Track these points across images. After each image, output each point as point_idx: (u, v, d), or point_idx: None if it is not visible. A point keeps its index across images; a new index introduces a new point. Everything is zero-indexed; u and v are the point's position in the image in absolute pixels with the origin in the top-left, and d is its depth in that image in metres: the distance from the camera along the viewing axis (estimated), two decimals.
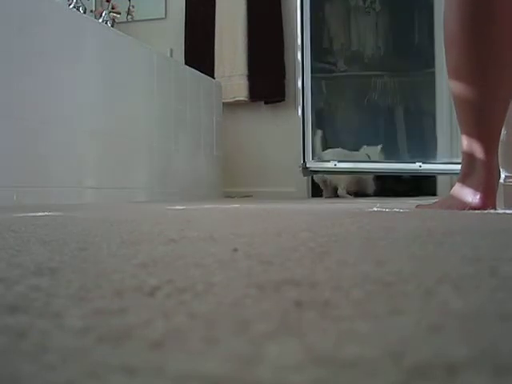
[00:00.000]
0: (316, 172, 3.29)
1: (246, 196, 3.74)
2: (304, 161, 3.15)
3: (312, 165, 3.18)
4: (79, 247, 0.55)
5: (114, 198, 2.47)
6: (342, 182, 3.56)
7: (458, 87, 1.31)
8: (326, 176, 3.50)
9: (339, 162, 3.24)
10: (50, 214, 1.32)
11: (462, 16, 1.27)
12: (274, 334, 0.23)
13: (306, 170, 3.18)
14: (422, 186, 4.50)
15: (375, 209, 1.48)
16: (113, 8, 3.49)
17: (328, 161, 3.25)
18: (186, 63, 3.64)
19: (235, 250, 0.50)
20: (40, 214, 1.30)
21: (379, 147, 3.61)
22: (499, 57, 1.26)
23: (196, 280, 0.35)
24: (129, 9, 3.84)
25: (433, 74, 3.92)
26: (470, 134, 1.31)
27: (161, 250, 0.52)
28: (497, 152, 1.32)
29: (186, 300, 0.29)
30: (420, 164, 3.19)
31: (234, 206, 2.04)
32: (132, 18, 3.88)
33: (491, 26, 1.25)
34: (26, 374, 0.18)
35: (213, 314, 0.26)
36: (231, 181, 3.78)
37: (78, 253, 0.50)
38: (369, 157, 3.44)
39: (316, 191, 4.04)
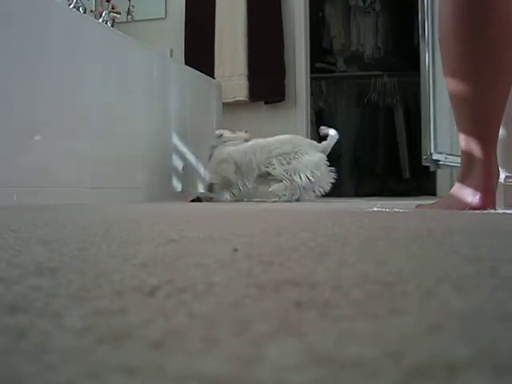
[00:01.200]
0: (439, 164, 3.27)
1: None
2: (431, 152, 3.16)
3: (437, 156, 3.19)
4: (79, 247, 0.55)
5: (114, 198, 2.47)
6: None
7: (454, 86, 1.31)
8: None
9: (448, 154, 3.20)
10: (50, 213, 1.32)
11: (457, 14, 1.27)
12: (274, 334, 0.23)
13: (433, 162, 3.18)
14: (422, 185, 4.50)
15: (375, 209, 1.48)
16: (113, 8, 3.49)
17: (441, 153, 3.24)
18: (186, 63, 3.63)
19: (235, 250, 0.50)
20: (40, 213, 1.30)
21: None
22: (495, 55, 1.26)
23: (196, 280, 0.35)
24: (129, 9, 3.84)
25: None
26: (467, 133, 1.31)
27: (161, 250, 0.52)
28: (495, 151, 1.32)
29: (186, 300, 0.29)
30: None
31: (234, 206, 2.04)
32: (132, 18, 3.88)
33: (487, 25, 1.25)
34: (26, 374, 0.18)
35: (213, 314, 0.26)
36: None
37: (78, 253, 0.50)
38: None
39: None
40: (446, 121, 3.21)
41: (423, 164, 3.37)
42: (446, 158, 3.19)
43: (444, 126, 3.27)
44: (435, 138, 3.25)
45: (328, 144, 2.75)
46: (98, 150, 2.41)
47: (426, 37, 3.30)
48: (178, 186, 3.04)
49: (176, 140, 3.05)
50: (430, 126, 3.25)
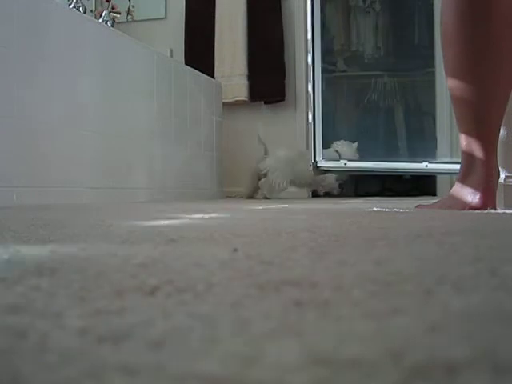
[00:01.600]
0: (326, 171, 3.28)
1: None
2: (315, 160, 3.15)
3: (323, 164, 3.18)
4: (79, 247, 0.55)
5: (114, 198, 2.47)
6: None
7: (455, 86, 1.31)
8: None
9: (349, 160, 3.23)
10: (50, 213, 1.32)
11: (459, 14, 1.27)
12: (274, 334, 0.23)
13: (317, 169, 3.18)
14: (422, 185, 4.50)
15: (375, 209, 1.48)
16: (113, 8, 3.49)
17: (338, 160, 3.24)
18: (186, 63, 3.63)
19: (235, 250, 0.50)
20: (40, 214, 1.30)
21: (355, 145, 3.55)
22: (496, 55, 1.26)
23: (196, 280, 0.35)
24: (129, 9, 3.84)
25: (433, 74, 3.92)
26: (468, 133, 1.31)
27: (161, 250, 0.52)
28: (496, 151, 1.32)
29: (186, 300, 0.29)
30: (426, 164, 3.19)
31: (234, 206, 2.04)
32: (132, 18, 3.88)
33: (488, 25, 1.25)
34: (26, 373, 0.18)
35: (213, 314, 0.26)
36: (231, 181, 3.78)
37: (78, 253, 0.50)
38: (339, 154, 3.38)
39: (316, 191, 4.04)
40: (446, 122, 3.22)
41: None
42: (426, 166, 3.18)
43: (444, 128, 3.27)
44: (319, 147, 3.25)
45: None
46: (98, 150, 2.41)
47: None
48: (178, 186, 3.05)
49: (176, 140, 3.05)
50: (314, 130, 3.25)
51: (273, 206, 2.00)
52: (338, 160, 3.28)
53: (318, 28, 3.34)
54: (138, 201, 2.61)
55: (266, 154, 3.37)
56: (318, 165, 3.17)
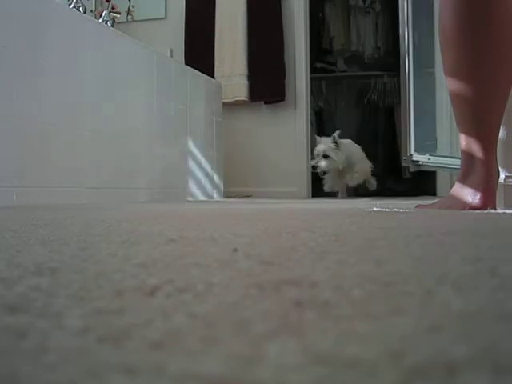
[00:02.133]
0: (420, 165, 3.28)
1: (246, 196, 3.74)
2: (410, 153, 3.16)
3: (417, 157, 3.19)
4: (79, 247, 0.55)
5: (114, 198, 2.47)
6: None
7: (454, 86, 1.31)
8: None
9: (431, 155, 3.21)
10: (50, 214, 1.32)
11: (458, 14, 1.27)
12: (274, 333, 0.23)
13: (413, 163, 3.19)
14: (422, 185, 4.50)
15: (375, 209, 1.48)
16: (113, 8, 3.49)
17: (424, 153, 3.24)
18: (186, 63, 3.63)
19: (235, 250, 0.50)
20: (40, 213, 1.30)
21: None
22: (496, 55, 1.26)
23: (196, 280, 0.35)
24: (129, 9, 3.84)
25: (433, 74, 3.92)
26: (468, 133, 1.31)
27: (161, 250, 0.52)
28: (495, 151, 1.32)
29: (186, 300, 0.29)
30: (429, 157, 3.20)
31: (234, 206, 2.04)
32: (132, 18, 3.88)
33: (487, 26, 1.25)
34: (26, 374, 0.18)
35: (213, 314, 0.26)
36: (231, 181, 3.78)
37: (78, 253, 0.50)
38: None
39: (316, 191, 4.04)
40: (446, 121, 3.22)
41: (403, 164, 3.37)
42: (428, 159, 3.19)
43: (443, 127, 3.27)
44: (415, 139, 3.25)
45: None
46: (98, 150, 2.41)
47: (406, 38, 3.31)
48: (178, 186, 3.05)
49: (176, 140, 3.05)
50: (409, 127, 3.26)
51: (272, 206, 2.00)
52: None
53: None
54: (138, 201, 2.61)
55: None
56: (414, 158, 3.17)
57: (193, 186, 3.20)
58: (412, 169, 3.41)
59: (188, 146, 3.17)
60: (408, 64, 3.32)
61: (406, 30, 3.27)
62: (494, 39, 1.25)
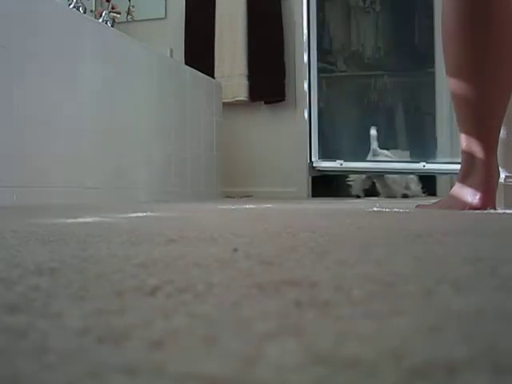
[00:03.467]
0: (322, 171, 3.30)
1: (246, 196, 3.74)
2: (311, 160, 3.16)
3: (318, 164, 3.20)
4: (79, 247, 0.55)
5: (114, 198, 2.47)
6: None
7: (456, 86, 1.31)
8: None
9: (345, 161, 3.24)
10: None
11: (460, 14, 1.27)
12: (274, 334, 0.23)
13: (312, 169, 3.20)
14: (421, 186, 4.50)
15: (375, 209, 1.48)
16: (113, 8, 3.49)
17: (334, 160, 3.26)
18: (186, 63, 3.63)
19: (235, 250, 0.50)
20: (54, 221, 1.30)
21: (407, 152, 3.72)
22: (497, 55, 1.26)
23: (196, 280, 0.35)
24: (129, 9, 3.84)
25: (433, 74, 3.92)
26: (468, 133, 1.31)
27: (161, 250, 0.52)
28: (496, 151, 1.32)
29: (186, 300, 0.29)
30: (424, 164, 3.20)
31: (234, 206, 2.04)
32: (132, 18, 3.88)
33: (489, 25, 1.25)
34: (26, 374, 0.18)
35: (213, 314, 0.26)
36: (231, 181, 3.78)
37: (78, 253, 0.50)
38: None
39: (316, 191, 4.04)
40: (446, 123, 3.22)
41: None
42: (341, 164, 3.21)
43: (444, 128, 3.28)
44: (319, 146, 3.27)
45: None
46: (98, 150, 2.41)
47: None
48: (177, 186, 3.05)
49: (176, 140, 3.05)
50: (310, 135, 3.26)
51: (272, 206, 2.00)
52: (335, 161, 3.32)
53: (314, 27, 3.35)
54: (138, 201, 2.61)
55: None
56: (314, 165, 3.19)
57: (193, 186, 3.20)
58: (310, 174, 3.42)
59: (188, 146, 3.17)
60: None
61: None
62: (494, 39, 1.25)
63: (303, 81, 3.96)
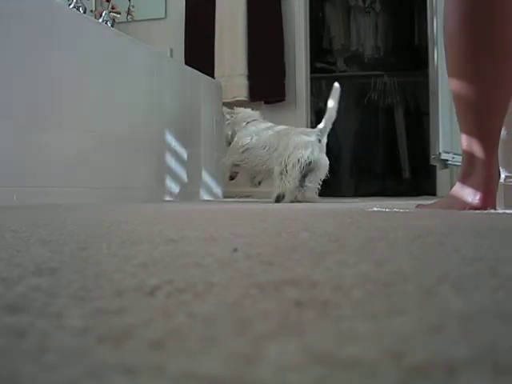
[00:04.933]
0: (448, 164, 3.28)
1: (246, 196, 3.74)
2: (439, 151, 3.16)
3: (445, 157, 3.20)
4: (79, 247, 0.55)
5: (114, 198, 2.47)
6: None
7: (457, 86, 1.31)
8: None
9: (456, 154, 3.21)
10: (52, 213, 1.32)
11: (462, 15, 1.27)
12: (274, 333, 0.23)
13: (442, 162, 3.20)
14: (422, 185, 4.50)
15: (375, 209, 1.48)
16: (113, 8, 3.49)
17: (449, 152, 3.25)
18: (186, 63, 3.63)
19: (235, 250, 0.50)
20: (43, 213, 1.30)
21: None
22: (499, 56, 1.26)
23: (196, 280, 0.35)
24: (129, 9, 3.84)
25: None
26: (469, 133, 1.31)
27: (161, 250, 0.52)
28: (497, 151, 1.32)
29: (186, 300, 0.29)
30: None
31: (234, 206, 2.04)
32: (132, 18, 3.88)
33: (492, 25, 1.25)
34: (26, 373, 0.18)
35: (213, 314, 0.26)
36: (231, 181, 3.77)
37: (77, 253, 0.50)
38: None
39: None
40: (448, 120, 3.22)
41: (431, 163, 3.37)
42: (453, 157, 3.20)
43: (445, 126, 3.28)
44: (444, 138, 3.25)
45: (324, 125, 2.59)
46: (98, 150, 2.41)
47: (435, 34, 3.30)
48: (178, 186, 3.05)
49: (176, 140, 3.05)
50: (438, 126, 3.25)
51: (272, 206, 2.00)
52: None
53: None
54: (138, 201, 2.61)
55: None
56: (442, 157, 3.18)
57: (193, 186, 3.20)
58: (440, 168, 3.42)
59: (188, 145, 3.17)
60: (437, 59, 3.30)
61: (435, 22, 3.25)
62: (496, 39, 1.25)
63: (303, 81, 3.96)
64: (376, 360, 0.19)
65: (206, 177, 3.38)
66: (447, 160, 3.24)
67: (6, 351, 0.21)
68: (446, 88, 3.18)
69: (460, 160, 2.82)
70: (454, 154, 3.20)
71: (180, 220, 1.08)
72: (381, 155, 4.89)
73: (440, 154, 3.21)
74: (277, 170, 2.54)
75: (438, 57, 3.28)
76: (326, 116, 2.65)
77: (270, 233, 0.72)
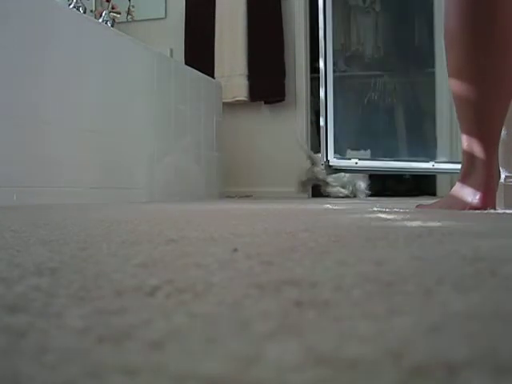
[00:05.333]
0: (338, 170, 3.30)
1: (246, 196, 3.74)
2: (327, 158, 3.17)
3: (335, 163, 3.20)
4: (79, 247, 0.55)
5: (114, 198, 2.47)
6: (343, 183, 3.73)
7: (458, 86, 1.31)
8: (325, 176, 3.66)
9: (360, 160, 3.24)
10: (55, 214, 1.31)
11: (463, 15, 1.27)
12: (274, 334, 0.23)
13: (329, 168, 3.20)
14: (422, 185, 4.50)
15: (375, 209, 1.48)
16: (113, 8, 3.49)
17: (349, 159, 3.26)
18: (186, 63, 3.63)
19: (235, 250, 0.50)
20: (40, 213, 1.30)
21: (368, 151, 3.66)
22: (499, 56, 1.26)
23: (196, 280, 0.35)
24: (129, 9, 3.84)
25: (433, 74, 3.92)
26: (470, 134, 1.31)
27: (161, 250, 0.52)
28: (497, 152, 1.32)
29: (186, 300, 0.29)
30: (433, 163, 3.21)
31: (234, 206, 2.04)
32: (132, 18, 3.88)
33: (492, 25, 1.25)
34: (26, 373, 0.18)
35: (213, 314, 0.26)
36: (231, 181, 3.78)
37: (78, 253, 0.50)
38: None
39: (316, 191, 4.04)
40: (446, 123, 3.22)
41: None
42: (356, 163, 3.21)
43: (443, 129, 3.28)
44: (335, 143, 3.26)
45: None
46: (98, 150, 2.41)
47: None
48: (177, 186, 3.05)
49: (176, 140, 3.05)
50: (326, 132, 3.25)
51: (272, 206, 2.00)
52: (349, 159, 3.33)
53: (329, 30, 3.34)
54: (138, 201, 2.61)
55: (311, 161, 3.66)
56: (330, 164, 3.19)
57: (193, 186, 3.20)
58: (328, 173, 3.43)
59: (188, 146, 3.17)
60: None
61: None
62: (497, 40, 1.25)
63: (304, 81, 3.96)
64: (376, 360, 0.19)
65: (205, 177, 3.38)
66: (332, 165, 3.25)
67: (6, 351, 0.21)
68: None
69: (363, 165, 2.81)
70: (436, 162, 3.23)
71: (180, 220, 1.08)
72: (380, 155, 4.89)
73: (328, 160, 3.24)
74: None
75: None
76: None
77: (270, 233, 0.72)
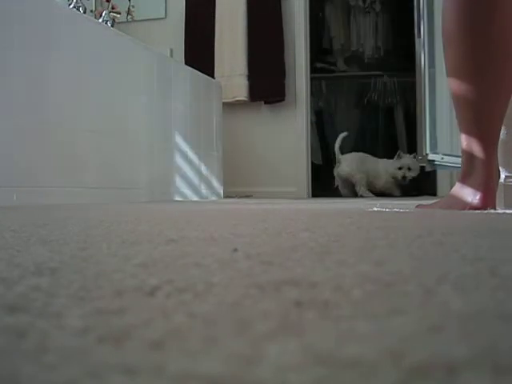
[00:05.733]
0: (435, 164, 3.32)
1: (246, 196, 3.74)
2: (426, 152, 3.20)
3: (432, 157, 3.22)
4: (79, 247, 0.55)
5: (114, 198, 2.47)
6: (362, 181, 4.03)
7: (456, 86, 1.31)
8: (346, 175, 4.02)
9: (445, 155, 3.26)
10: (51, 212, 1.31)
11: (461, 14, 1.27)
12: (274, 333, 0.23)
13: (429, 162, 3.23)
14: (422, 185, 4.50)
15: (375, 209, 1.48)
16: (113, 8, 3.49)
17: (437, 153, 3.28)
18: (186, 63, 3.64)
19: (235, 250, 0.50)
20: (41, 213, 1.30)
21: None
22: (498, 56, 1.26)
23: (196, 280, 0.35)
24: (129, 9, 3.84)
25: (433, 74, 3.91)
26: (469, 133, 1.31)
27: (161, 250, 0.52)
28: (496, 151, 1.32)
29: (186, 300, 0.29)
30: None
31: (234, 206, 2.04)
32: (132, 18, 3.88)
33: (491, 25, 1.25)
34: (26, 374, 0.18)
35: (213, 314, 0.26)
36: (231, 181, 3.78)
37: (78, 253, 0.50)
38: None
39: (316, 191, 4.04)
40: (446, 121, 3.22)
41: (419, 164, 3.42)
42: (442, 158, 3.21)
43: (444, 126, 3.28)
44: (431, 139, 3.27)
45: None
46: (98, 150, 2.41)
47: (422, 35, 3.31)
48: (177, 186, 3.05)
49: (176, 140, 3.05)
50: (425, 126, 3.27)
51: (272, 206, 2.00)
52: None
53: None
54: (138, 201, 2.61)
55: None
56: (430, 158, 3.22)
57: (193, 186, 3.20)
58: (428, 168, 3.46)
59: (188, 145, 3.17)
60: (424, 63, 3.32)
61: (422, 27, 3.28)
62: (496, 39, 1.25)
63: (303, 81, 3.96)
64: (376, 360, 0.19)
65: (205, 177, 3.38)
66: (434, 160, 3.26)
67: (6, 351, 0.21)
68: (438, 87, 3.20)
69: (449, 160, 2.82)
70: (444, 154, 3.23)
71: (180, 220, 1.08)
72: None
73: (427, 154, 3.25)
74: None
75: (425, 56, 3.31)
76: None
77: (270, 233, 0.72)
